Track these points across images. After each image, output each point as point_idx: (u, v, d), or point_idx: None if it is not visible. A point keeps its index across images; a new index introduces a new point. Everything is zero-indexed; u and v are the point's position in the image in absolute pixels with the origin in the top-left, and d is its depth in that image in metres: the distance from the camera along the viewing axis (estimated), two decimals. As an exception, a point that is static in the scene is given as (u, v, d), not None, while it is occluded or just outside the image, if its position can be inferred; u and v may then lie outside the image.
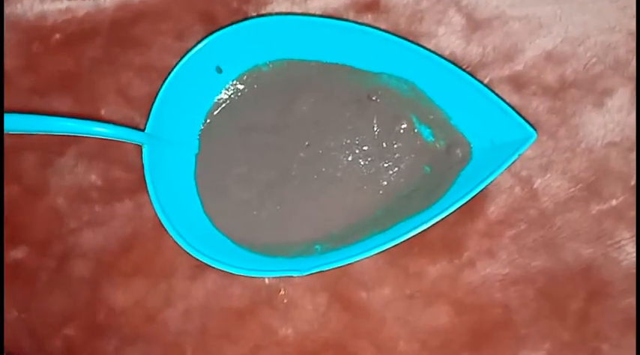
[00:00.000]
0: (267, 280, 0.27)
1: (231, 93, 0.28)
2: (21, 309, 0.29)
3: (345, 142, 0.27)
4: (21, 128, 0.26)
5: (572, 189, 0.26)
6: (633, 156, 0.26)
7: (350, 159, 0.27)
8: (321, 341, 0.27)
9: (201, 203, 0.28)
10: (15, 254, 0.29)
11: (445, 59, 0.25)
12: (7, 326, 0.29)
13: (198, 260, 0.26)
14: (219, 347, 0.27)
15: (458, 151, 0.26)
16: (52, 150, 0.29)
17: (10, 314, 0.29)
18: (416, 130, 0.27)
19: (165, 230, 0.26)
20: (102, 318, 0.28)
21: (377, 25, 0.28)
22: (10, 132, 0.27)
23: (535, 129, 0.24)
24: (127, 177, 0.28)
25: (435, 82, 0.26)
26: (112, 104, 0.29)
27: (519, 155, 0.24)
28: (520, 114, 0.24)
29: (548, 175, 0.26)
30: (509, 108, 0.25)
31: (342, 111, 0.27)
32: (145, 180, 0.26)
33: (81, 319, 0.28)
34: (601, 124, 0.26)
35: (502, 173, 0.25)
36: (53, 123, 0.26)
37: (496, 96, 0.25)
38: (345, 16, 0.28)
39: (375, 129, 0.27)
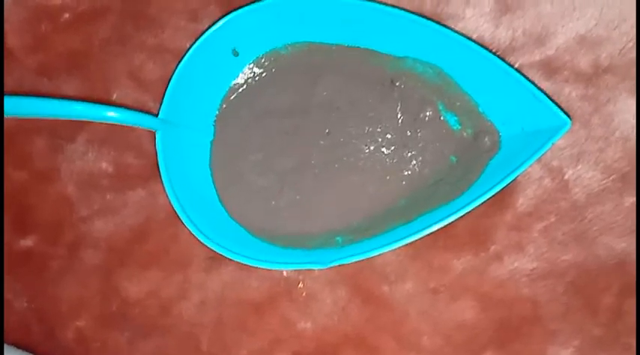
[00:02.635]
0: (285, 272, 0.26)
1: (248, 78, 0.27)
2: (30, 299, 0.28)
3: (367, 130, 0.26)
4: (29, 112, 0.25)
5: (605, 180, 0.25)
6: (670, 145, 0.25)
7: (372, 147, 0.26)
8: (340, 335, 0.26)
9: (217, 192, 0.27)
10: (24, 242, 0.28)
11: (474, 42, 0.24)
12: (16, 316, 0.28)
13: (214, 250, 0.25)
14: (235, 339, 0.27)
15: (486, 140, 0.25)
16: (62, 135, 0.28)
17: (20, 303, 0.28)
18: (442, 118, 0.26)
19: (180, 219, 0.25)
20: (114, 309, 0.27)
21: (401, 5, 0.26)
22: (18, 116, 0.26)
23: (569, 117, 0.23)
24: (140, 164, 0.27)
25: (463, 67, 0.25)
26: (123, 87, 0.27)
27: (552, 144, 0.23)
28: (554, 101, 0.23)
29: (580, 166, 0.25)
30: (543, 95, 0.23)
31: (364, 98, 0.26)
32: (157, 167, 0.26)
33: (93, 309, 0.28)
34: (637, 112, 0.25)
35: (532, 163, 0.24)
36: (62, 107, 0.25)
37: (528, 82, 0.24)
38: (367, -3, 0.27)
39: (399, 116, 0.26)
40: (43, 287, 0.28)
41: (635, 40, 0.25)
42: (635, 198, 0.25)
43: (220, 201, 0.27)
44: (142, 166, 0.27)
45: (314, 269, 0.26)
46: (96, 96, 0.28)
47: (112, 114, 0.25)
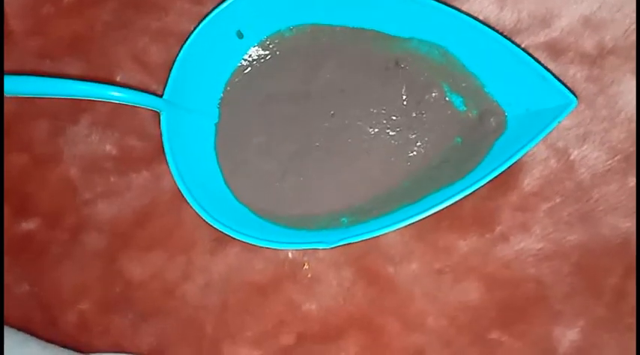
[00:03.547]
0: (290, 254, 0.26)
1: (253, 60, 0.27)
2: (32, 283, 0.28)
3: (372, 112, 0.26)
4: (32, 90, 0.25)
5: (610, 161, 0.25)
6: (674, 126, 0.25)
7: (377, 129, 0.26)
8: (345, 317, 0.26)
9: (222, 173, 0.27)
10: (26, 225, 0.28)
11: (481, 22, 0.24)
12: (17, 300, 0.28)
13: (218, 232, 0.25)
14: (240, 322, 0.26)
15: (492, 120, 0.25)
16: (64, 117, 0.28)
17: (21, 287, 0.28)
18: (447, 99, 0.26)
19: (185, 201, 0.25)
20: (117, 292, 0.27)
21: (406, -12, 0.26)
22: (21, 96, 0.26)
23: (575, 96, 0.23)
24: (143, 146, 0.27)
25: (469, 47, 0.25)
26: (127, 70, 0.27)
27: (558, 122, 0.23)
28: (560, 80, 0.23)
29: (585, 146, 0.25)
30: (549, 74, 0.23)
31: (368, 79, 0.26)
32: (161, 150, 0.25)
33: (95, 293, 0.27)
34: (637, 95, 0.25)
35: (537, 144, 0.24)
36: (66, 85, 0.24)
37: (534, 61, 0.24)
38: (372, -21, 0.27)
39: (404, 97, 0.26)
40: (44, 271, 0.28)
41: (636, 24, 0.25)
42: (635, 179, 0.25)
43: (225, 182, 0.26)
44: (146, 149, 0.27)
45: (319, 250, 0.26)
46: (99, 78, 0.27)
47: (117, 94, 0.24)
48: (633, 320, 0.25)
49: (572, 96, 0.23)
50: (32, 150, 0.28)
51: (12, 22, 0.28)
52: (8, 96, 0.25)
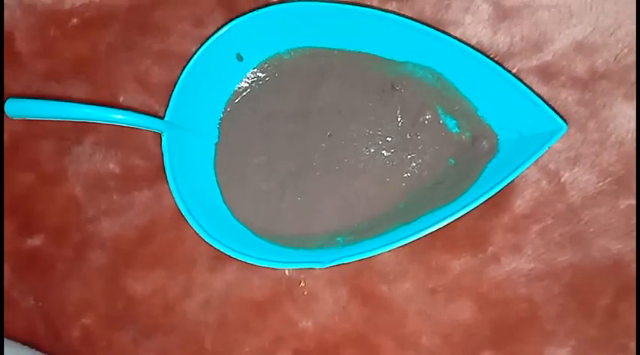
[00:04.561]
0: (287, 272, 0.27)
1: (252, 82, 0.28)
2: (37, 297, 0.29)
3: (368, 133, 0.27)
4: (38, 114, 0.26)
5: (601, 184, 0.26)
6: (664, 149, 0.25)
7: (373, 150, 0.27)
8: (341, 335, 0.27)
9: (221, 193, 0.27)
10: (32, 242, 0.28)
11: (473, 48, 0.25)
12: (22, 314, 0.29)
13: (217, 250, 0.25)
14: (238, 338, 0.27)
15: (484, 143, 0.26)
16: (69, 137, 0.28)
17: (27, 302, 0.29)
18: (441, 121, 0.26)
19: (185, 220, 0.26)
20: (120, 308, 0.28)
21: (402, 12, 0.27)
22: (27, 118, 0.27)
23: (566, 121, 0.24)
24: (146, 165, 0.28)
25: (462, 72, 0.25)
26: (130, 91, 0.28)
27: (549, 147, 0.24)
28: (550, 106, 0.24)
29: (577, 169, 0.26)
30: (540, 100, 0.24)
31: (365, 101, 0.27)
32: (163, 169, 0.26)
33: (98, 309, 0.28)
34: (632, 117, 0.26)
35: (529, 166, 0.24)
36: (70, 109, 0.25)
37: (525, 87, 0.24)
38: (369, 3, 0.27)
39: (399, 119, 0.27)
40: (49, 287, 0.28)
41: (630, 46, 0.26)
42: (634, 201, 0.25)
43: (224, 202, 0.27)
44: (148, 167, 0.28)
45: (315, 269, 0.26)
46: (103, 99, 0.28)
47: (119, 117, 0.25)
48: (625, 341, 0.25)
49: (562, 121, 0.24)
50: (38, 169, 0.29)
51: (18, 44, 0.28)
52: (16, 118, 0.26)
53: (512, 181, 0.25)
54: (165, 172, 0.26)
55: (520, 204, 0.26)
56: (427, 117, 0.26)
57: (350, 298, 0.27)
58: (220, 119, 0.28)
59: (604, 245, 0.25)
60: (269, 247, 0.26)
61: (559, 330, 0.25)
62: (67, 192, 0.28)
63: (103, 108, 0.25)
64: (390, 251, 0.25)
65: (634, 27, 0.26)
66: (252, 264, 0.25)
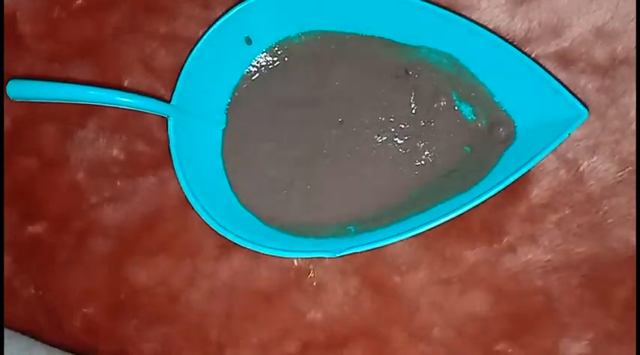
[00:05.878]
0: (296, 261, 0.26)
1: (261, 66, 0.27)
2: (38, 286, 0.28)
3: (380, 120, 0.26)
4: (40, 95, 0.25)
5: (621, 173, 0.25)
6: (685, 139, 0.25)
7: (385, 137, 0.26)
8: (351, 326, 0.26)
9: (228, 180, 0.26)
10: (33, 229, 0.28)
11: (491, 31, 0.24)
12: (23, 303, 0.28)
13: (224, 239, 0.25)
14: (244, 329, 0.26)
15: (501, 130, 0.25)
16: (72, 121, 0.28)
17: (27, 291, 0.28)
18: (456, 108, 0.26)
19: (191, 207, 0.25)
20: (123, 297, 0.27)
21: (416, -5, 0.26)
22: (29, 100, 0.26)
23: (586, 107, 0.23)
24: (150, 151, 0.27)
25: (479, 57, 0.25)
26: (135, 75, 0.27)
27: (569, 135, 0.23)
28: (571, 91, 0.23)
29: (596, 158, 0.25)
30: (560, 85, 0.23)
31: (377, 87, 0.26)
32: (168, 154, 0.25)
33: (101, 298, 0.27)
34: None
35: (547, 155, 0.24)
36: (74, 91, 0.25)
37: (546, 72, 0.23)
38: (382, -14, 0.27)
39: (413, 106, 0.26)
40: (50, 275, 0.28)
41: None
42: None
43: (232, 189, 0.26)
44: (153, 153, 0.27)
45: (325, 259, 0.26)
46: (107, 82, 0.27)
47: (124, 100, 0.24)
48: (642, 335, 0.24)
49: (583, 108, 0.23)
50: (41, 154, 0.28)
51: (23, 26, 0.28)
52: (18, 100, 0.26)
53: (529, 170, 0.24)
54: (170, 158, 0.25)
55: (537, 193, 0.25)
56: (442, 103, 0.26)
57: (361, 289, 0.26)
58: (228, 104, 0.27)
59: (623, 236, 0.25)
60: (277, 236, 0.26)
61: (576, 323, 0.25)
62: (69, 178, 0.28)
63: (108, 90, 0.25)
64: (402, 241, 0.25)
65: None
66: (259, 253, 0.25)
